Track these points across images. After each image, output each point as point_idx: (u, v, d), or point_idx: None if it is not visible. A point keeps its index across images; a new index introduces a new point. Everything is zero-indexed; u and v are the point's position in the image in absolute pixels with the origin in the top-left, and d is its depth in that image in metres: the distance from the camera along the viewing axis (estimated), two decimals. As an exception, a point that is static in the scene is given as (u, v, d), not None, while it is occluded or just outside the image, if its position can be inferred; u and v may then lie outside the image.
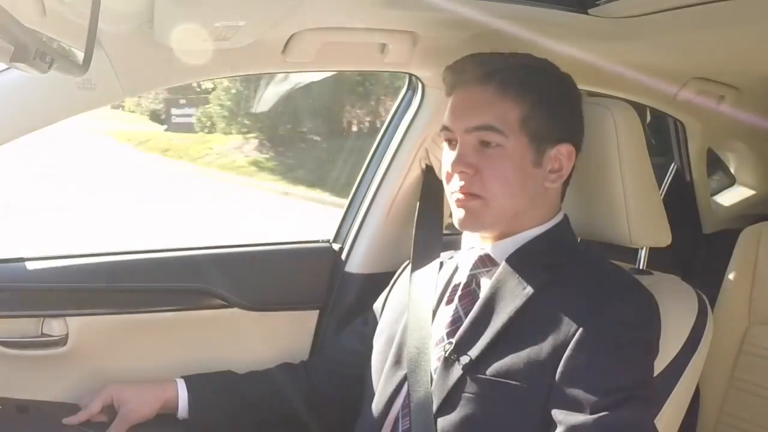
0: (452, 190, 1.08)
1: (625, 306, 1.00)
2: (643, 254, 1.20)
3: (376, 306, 1.30)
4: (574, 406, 0.95)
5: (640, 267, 1.21)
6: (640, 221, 1.13)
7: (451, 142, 1.10)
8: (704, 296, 1.14)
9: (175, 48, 1.10)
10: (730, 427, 1.65)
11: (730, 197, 2.15)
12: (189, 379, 1.25)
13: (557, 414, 0.96)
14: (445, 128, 1.10)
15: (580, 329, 0.97)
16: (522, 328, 1.01)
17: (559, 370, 0.96)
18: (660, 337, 1.04)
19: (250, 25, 1.02)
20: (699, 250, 1.96)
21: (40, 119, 1.14)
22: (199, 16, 0.97)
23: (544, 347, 0.98)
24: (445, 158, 1.10)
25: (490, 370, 1.01)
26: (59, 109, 1.14)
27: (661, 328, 1.04)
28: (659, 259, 1.21)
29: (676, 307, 1.09)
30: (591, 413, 0.93)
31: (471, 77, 1.07)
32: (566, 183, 1.12)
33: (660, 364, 1.05)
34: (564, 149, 1.08)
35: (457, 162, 1.06)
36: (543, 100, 1.06)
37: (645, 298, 1.03)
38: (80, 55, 0.82)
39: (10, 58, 0.65)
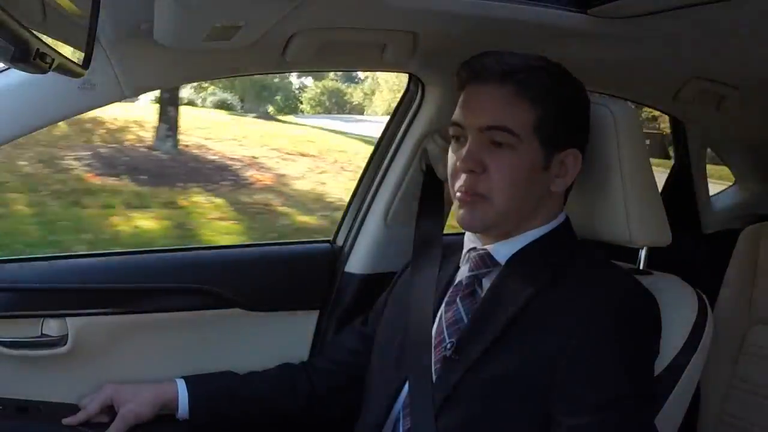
0: (458, 188, 1.06)
1: (625, 306, 1.00)
2: (643, 254, 1.20)
3: (377, 306, 1.30)
4: (575, 406, 0.95)
5: (640, 267, 1.21)
6: (640, 221, 1.13)
7: (459, 139, 1.08)
8: (704, 296, 1.14)
9: (175, 48, 1.10)
10: (731, 427, 1.65)
11: (730, 197, 2.15)
12: (189, 380, 1.25)
13: (558, 415, 0.96)
14: (455, 124, 1.08)
15: (581, 330, 0.97)
16: (523, 329, 1.01)
17: (559, 370, 0.96)
18: (660, 338, 1.04)
19: (250, 25, 1.02)
20: (699, 250, 1.96)
21: (40, 119, 1.14)
22: (199, 16, 0.97)
23: (545, 348, 0.98)
24: (452, 155, 1.09)
25: (491, 371, 1.00)
26: (59, 109, 1.14)
27: (661, 329, 1.04)
28: (659, 259, 1.21)
29: (676, 307, 1.09)
30: (592, 414, 0.93)
31: (488, 75, 1.05)
32: (570, 186, 1.12)
33: (660, 364, 1.05)
34: (571, 154, 1.07)
35: (467, 159, 1.04)
36: (558, 105, 1.05)
37: (645, 299, 1.03)
38: (80, 55, 0.82)
39: (10, 59, 0.64)
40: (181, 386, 1.23)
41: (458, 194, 1.06)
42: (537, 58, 1.07)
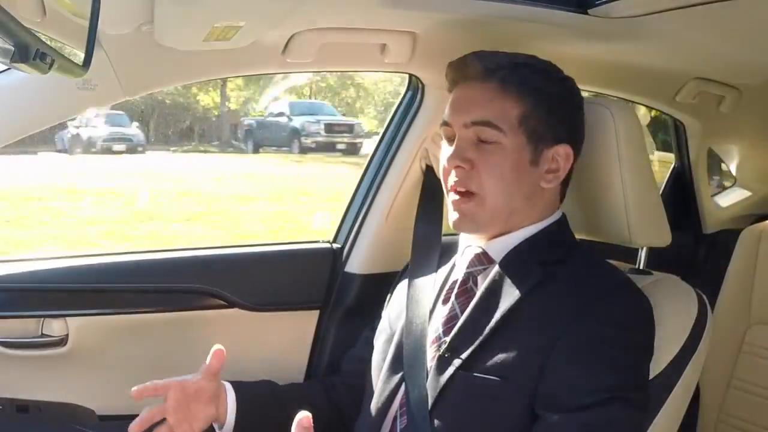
0: (449, 185, 1.08)
1: (615, 306, 1.00)
2: (642, 254, 1.20)
3: (382, 311, 1.29)
4: (555, 404, 0.95)
5: (640, 267, 1.21)
6: (640, 221, 1.13)
7: (450, 138, 1.10)
8: (704, 296, 1.14)
9: (175, 48, 1.10)
10: (730, 427, 1.65)
11: (730, 197, 2.15)
12: (238, 391, 1.17)
13: (539, 411, 0.96)
14: (444, 123, 1.10)
15: (568, 328, 0.97)
16: (516, 326, 1.01)
17: (544, 368, 0.97)
18: (654, 339, 1.03)
19: (250, 25, 1.02)
20: (699, 250, 1.96)
21: (40, 119, 1.14)
22: (199, 16, 0.97)
23: (534, 345, 0.98)
24: (443, 154, 1.11)
25: (482, 368, 1.01)
26: (59, 109, 1.14)
27: (654, 331, 1.03)
28: (659, 259, 1.21)
29: (676, 307, 1.09)
30: (570, 412, 0.94)
31: (473, 73, 1.07)
32: (565, 184, 1.12)
33: (659, 365, 1.05)
34: (562, 150, 1.07)
35: (454, 156, 1.06)
36: (543, 100, 1.06)
37: (638, 300, 1.03)
38: (80, 55, 0.82)
39: (10, 59, 0.65)
40: (231, 403, 1.15)
41: (450, 193, 1.08)
42: (523, 56, 1.09)
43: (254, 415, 1.18)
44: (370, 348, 1.26)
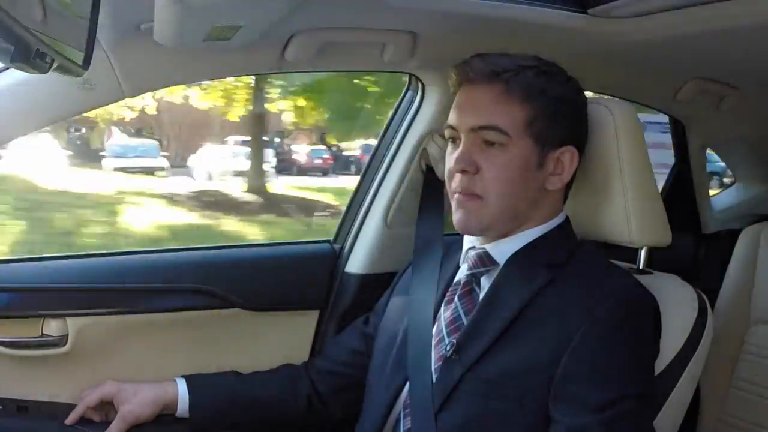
0: (453, 188, 1.08)
1: (625, 306, 1.00)
2: (642, 254, 1.20)
3: (378, 306, 1.30)
4: (575, 406, 0.95)
5: (640, 267, 1.21)
6: (640, 221, 1.13)
7: (455, 141, 1.09)
8: (704, 296, 1.14)
9: (175, 48, 1.10)
10: (730, 427, 1.65)
11: (730, 197, 2.15)
12: (190, 380, 1.25)
13: (557, 414, 0.96)
14: (449, 126, 1.09)
15: (580, 330, 0.97)
16: (522, 329, 1.01)
17: (559, 370, 0.96)
18: (660, 338, 1.04)
19: (250, 25, 1.02)
20: (699, 250, 1.96)
21: (40, 119, 1.14)
22: (199, 16, 0.97)
23: (544, 347, 0.98)
24: (448, 156, 1.10)
25: (490, 370, 1.01)
26: (59, 109, 1.14)
27: (661, 329, 1.04)
28: (659, 259, 1.21)
29: (676, 307, 1.09)
30: (591, 413, 0.94)
31: (477, 76, 1.06)
32: (569, 185, 1.12)
33: (660, 364, 1.05)
34: (567, 152, 1.07)
35: (460, 160, 1.05)
36: (549, 103, 1.05)
37: (645, 299, 1.03)
38: (80, 55, 0.82)
39: (10, 58, 0.65)
40: (182, 386, 1.23)
41: (454, 195, 1.07)
42: (528, 58, 1.08)
43: (210, 412, 1.24)
44: (364, 341, 1.26)
